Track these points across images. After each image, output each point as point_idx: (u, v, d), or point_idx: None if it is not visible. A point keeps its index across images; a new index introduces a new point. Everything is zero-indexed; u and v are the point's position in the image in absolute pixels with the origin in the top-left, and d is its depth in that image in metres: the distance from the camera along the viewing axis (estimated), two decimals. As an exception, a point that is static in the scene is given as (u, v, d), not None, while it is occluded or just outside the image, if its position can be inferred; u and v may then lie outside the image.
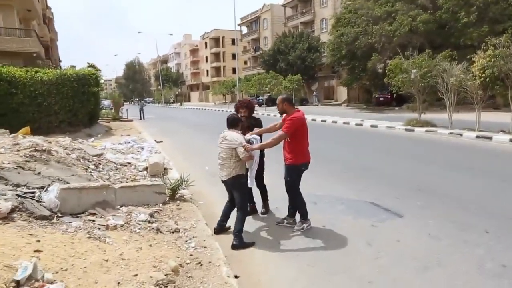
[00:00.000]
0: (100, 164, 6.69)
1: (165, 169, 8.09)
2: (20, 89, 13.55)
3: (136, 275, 2.98)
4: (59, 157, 5.72)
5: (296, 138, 4.41)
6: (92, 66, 50.98)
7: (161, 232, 4.14)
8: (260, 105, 34.20)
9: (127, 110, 26.68)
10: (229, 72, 65.86)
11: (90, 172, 5.91)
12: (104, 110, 25.16)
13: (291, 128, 4.31)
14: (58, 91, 14.18)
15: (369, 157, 9.52)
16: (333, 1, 39.74)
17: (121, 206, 4.65)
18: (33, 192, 4.09)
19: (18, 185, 4.17)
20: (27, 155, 5.12)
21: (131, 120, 23.41)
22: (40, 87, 13.87)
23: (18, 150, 5.23)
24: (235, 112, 4.79)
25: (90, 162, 6.58)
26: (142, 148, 10.59)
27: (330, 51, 30.07)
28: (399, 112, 21.98)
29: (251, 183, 4.45)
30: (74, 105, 14.55)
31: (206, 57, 74.73)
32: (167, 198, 5.41)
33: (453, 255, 3.83)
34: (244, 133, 4.40)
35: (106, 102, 32.66)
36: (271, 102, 30.65)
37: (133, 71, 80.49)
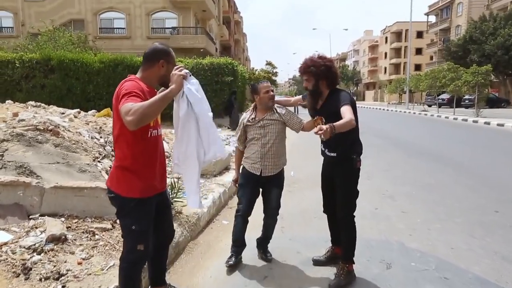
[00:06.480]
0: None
1: (227, 168, 6.38)
2: (161, 77, 14.37)
3: None
4: (68, 139, 4.78)
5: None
6: (269, 64, 53.48)
7: (27, 274, 2.44)
8: (440, 105, 27.86)
9: None
10: (411, 69, 58.01)
11: (98, 161, 4.76)
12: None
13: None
14: (193, 79, 14.39)
15: None
16: None
17: (46, 215, 3.20)
18: None
19: None
20: (13, 133, 4.31)
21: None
22: (178, 76, 14.38)
23: (14, 127, 4.52)
24: None
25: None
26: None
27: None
28: None
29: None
30: (206, 94, 14.46)
31: (385, 53, 68.72)
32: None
33: None
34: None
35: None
36: (453, 101, 23.40)
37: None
